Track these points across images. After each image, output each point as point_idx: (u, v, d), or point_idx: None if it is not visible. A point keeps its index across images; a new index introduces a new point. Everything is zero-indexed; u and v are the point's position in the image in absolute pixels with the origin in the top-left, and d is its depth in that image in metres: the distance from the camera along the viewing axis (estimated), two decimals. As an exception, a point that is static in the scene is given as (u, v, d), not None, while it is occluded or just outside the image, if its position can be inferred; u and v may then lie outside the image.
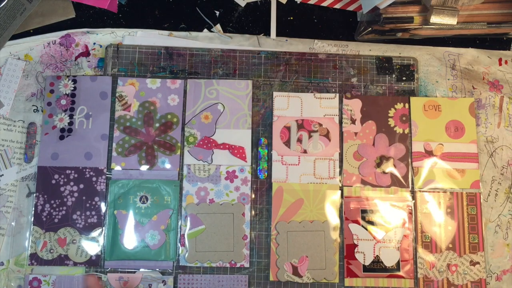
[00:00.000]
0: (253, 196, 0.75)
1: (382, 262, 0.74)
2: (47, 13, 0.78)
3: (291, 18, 0.81)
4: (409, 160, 0.76)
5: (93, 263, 0.72)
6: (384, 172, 0.76)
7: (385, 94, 0.78)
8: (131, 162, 0.75)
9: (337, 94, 0.77)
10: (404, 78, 0.79)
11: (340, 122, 0.77)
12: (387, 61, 0.79)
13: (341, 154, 0.76)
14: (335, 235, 0.74)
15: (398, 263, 0.74)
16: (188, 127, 0.76)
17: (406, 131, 0.77)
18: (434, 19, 0.73)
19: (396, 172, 0.76)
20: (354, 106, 0.77)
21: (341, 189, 0.75)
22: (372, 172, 0.76)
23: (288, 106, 0.77)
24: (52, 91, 0.76)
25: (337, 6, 0.82)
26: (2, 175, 0.74)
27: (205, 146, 0.75)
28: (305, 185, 0.75)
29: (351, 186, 0.76)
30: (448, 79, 0.80)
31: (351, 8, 0.82)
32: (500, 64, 0.81)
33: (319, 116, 0.77)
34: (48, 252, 0.72)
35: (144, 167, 0.74)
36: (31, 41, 0.77)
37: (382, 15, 0.74)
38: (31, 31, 0.78)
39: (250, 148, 0.76)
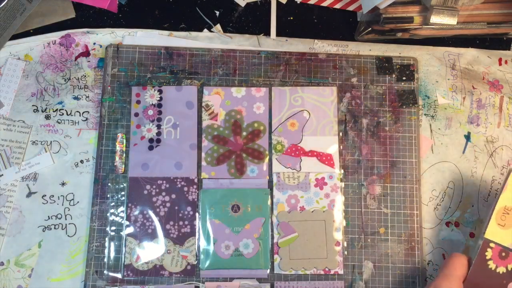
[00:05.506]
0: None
1: None
2: (47, 13, 0.78)
3: (291, 18, 0.81)
4: None
5: (188, 272, 0.72)
6: None
7: (385, 94, 0.78)
8: (221, 171, 0.74)
9: None
10: (404, 78, 0.79)
11: None
12: (387, 61, 0.79)
13: None
14: None
15: None
16: (275, 135, 0.76)
17: None
18: (434, 19, 0.72)
19: None
20: None
21: None
22: None
23: None
24: (138, 102, 0.75)
25: (337, 6, 0.82)
26: (2, 175, 0.74)
27: (293, 154, 0.75)
28: None
29: None
30: (448, 79, 0.80)
31: (351, 8, 0.82)
32: (500, 64, 0.81)
33: None
34: (143, 263, 0.72)
35: (234, 176, 0.74)
36: (31, 41, 0.77)
37: (382, 15, 0.74)
38: (31, 31, 0.78)
39: (338, 154, 0.76)
